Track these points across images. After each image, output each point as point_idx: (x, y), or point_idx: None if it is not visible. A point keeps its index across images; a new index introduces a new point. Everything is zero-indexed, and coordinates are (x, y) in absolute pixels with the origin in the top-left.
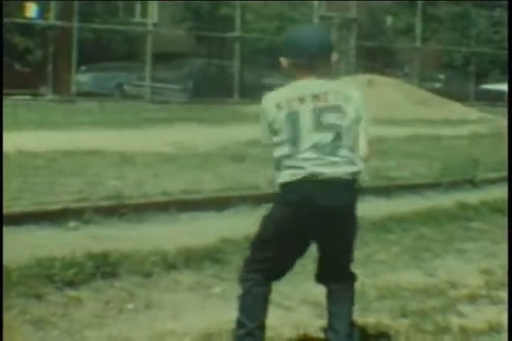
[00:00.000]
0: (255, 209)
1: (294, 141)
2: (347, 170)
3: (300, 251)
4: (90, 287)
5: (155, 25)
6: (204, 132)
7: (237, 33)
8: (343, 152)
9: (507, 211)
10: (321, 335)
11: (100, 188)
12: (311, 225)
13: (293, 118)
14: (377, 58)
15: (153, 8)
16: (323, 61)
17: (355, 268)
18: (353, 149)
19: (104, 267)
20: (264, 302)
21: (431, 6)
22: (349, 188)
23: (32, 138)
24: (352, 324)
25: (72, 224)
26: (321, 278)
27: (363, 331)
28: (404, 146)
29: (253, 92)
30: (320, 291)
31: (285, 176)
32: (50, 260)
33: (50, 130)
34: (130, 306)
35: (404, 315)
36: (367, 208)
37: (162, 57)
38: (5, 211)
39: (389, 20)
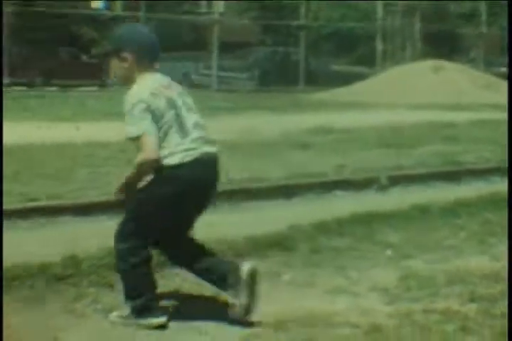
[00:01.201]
0: (321, 197)
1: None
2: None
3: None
4: (158, 275)
5: (221, 14)
6: (270, 120)
7: (301, 21)
8: (204, 130)
9: (507, 209)
10: (389, 321)
11: None
12: (201, 200)
13: (172, 104)
14: (443, 44)
15: None
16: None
17: (425, 253)
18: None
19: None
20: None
21: None
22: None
23: (100, 128)
24: None
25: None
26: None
27: (433, 317)
28: (471, 131)
29: (318, 80)
30: (388, 278)
31: (178, 158)
32: (110, 248)
33: (118, 120)
34: (199, 294)
35: (472, 300)
36: (436, 193)
37: (228, 47)
38: (74, 201)
39: (452, 5)
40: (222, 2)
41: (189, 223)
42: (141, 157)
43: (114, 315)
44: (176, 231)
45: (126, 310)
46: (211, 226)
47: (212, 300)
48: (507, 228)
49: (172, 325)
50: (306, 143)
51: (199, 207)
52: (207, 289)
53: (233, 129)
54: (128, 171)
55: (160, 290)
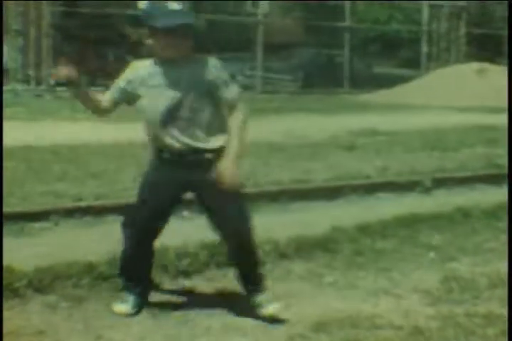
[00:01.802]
0: (365, 199)
1: None
2: None
3: None
4: (203, 276)
5: (265, 15)
6: (314, 122)
7: (346, 23)
8: None
9: (507, 212)
10: (431, 323)
11: None
12: None
13: None
14: (488, 46)
15: None
16: None
17: (467, 256)
18: None
19: (217, 256)
20: None
21: None
22: None
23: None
24: None
25: (185, 213)
26: None
27: (474, 320)
28: None
29: (363, 82)
30: (431, 280)
31: None
32: (164, 249)
33: None
34: (243, 295)
35: None
36: (479, 196)
37: (273, 48)
38: (120, 201)
39: (499, 7)
40: (267, 3)
41: None
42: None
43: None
44: None
45: None
46: (256, 227)
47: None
48: (507, 230)
49: (215, 325)
50: (351, 145)
51: None
52: None
53: (279, 131)
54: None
55: (204, 290)
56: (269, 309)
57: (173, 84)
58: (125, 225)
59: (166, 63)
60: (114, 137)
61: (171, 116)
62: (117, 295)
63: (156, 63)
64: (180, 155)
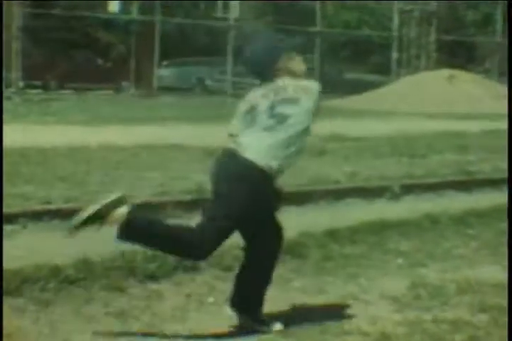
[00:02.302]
0: (334, 204)
1: None
2: None
3: None
4: (171, 280)
5: (236, 19)
6: None
7: (317, 28)
8: None
9: (507, 213)
10: (399, 329)
11: (182, 182)
12: None
13: None
14: (458, 53)
15: (235, 2)
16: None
17: (435, 262)
18: None
19: (185, 261)
20: None
21: None
22: None
23: (115, 132)
24: None
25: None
26: None
27: (442, 326)
28: (484, 141)
29: (333, 87)
30: (399, 286)
31: None
32: (132, 253)
33: (133, 124)
34: (211, 300)
35: (483, 311)
36: (448, 203)
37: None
38: (89, 204)
39: (469, 13)
40: (238, 7)
41: None
42: None
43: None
44: None
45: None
46: None
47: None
48: (507, 231)
49: (183, 330)
50: (320, 150)
51: None
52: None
53: None
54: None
55: (172, 295)
56: (276, 327)
57: None
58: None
59: None
60: (82, 140)
61: None
62: (84, 299)
63: None
64: None
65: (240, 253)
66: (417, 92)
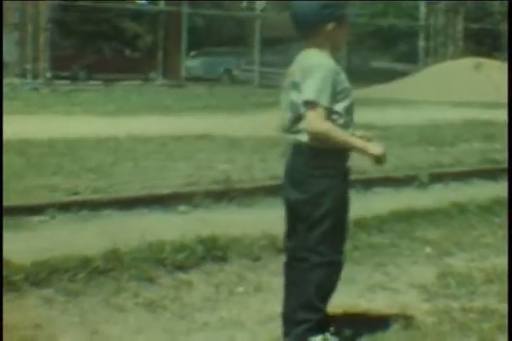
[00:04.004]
0: (362, 193)
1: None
2: None
3: None
4: (200, 270)
5: (263, 10)
6: None
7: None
8: None
9: (507, 207)
10: (428, 318)
11: (210, 172)
12: None
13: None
14: (485, 41)
15: None
16: (307, 31)
17: (463, 251)
18: None
19: (214, 251)
20: None
21: None
22: None
23: (143, 122)
24: None
25: (182, 208)
26: None
27: (469, 314)
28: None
29: (360, 76)
30: (427, 275)
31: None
32: (160, 244)
33: (161, 115)
34: (240, 289)
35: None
36: (475, 191)
37: (270, 42)
38: (117, 195)
39: (497, 3)
40: None
41: None
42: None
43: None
44: None
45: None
46: (253, 222)
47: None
48: (507, 228)
49: (212, 319)
50: None
51: None
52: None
53: (275, 125)
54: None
55: (201, 284)
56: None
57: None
58: (332, 261)
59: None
60: (110, 131)
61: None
62: (113, 290)
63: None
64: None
65: (268, 243)
66: (444, 81)
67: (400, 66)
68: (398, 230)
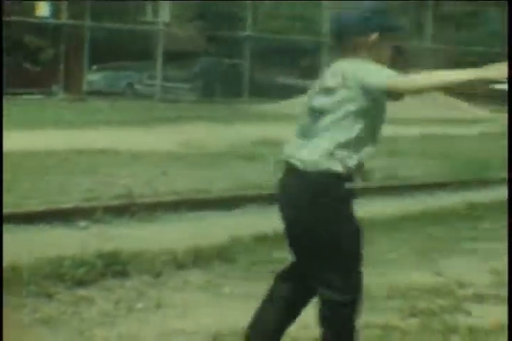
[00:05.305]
0: (264, 209)
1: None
2: None
3: None
4: (100, 286)
5: (166, 24)
6: (214, 131)
7: (247, 32)
8: None
9: (507, 211)
10: None
11: (111, 187)
12: None
13: None
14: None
15: (165, 7)
16: (345, 41)
17: (365, 267)
18: None
19: (114, 266)
20: None
21: (442, 5)
22: None
23: (44, 137)
24: None
25: (82, 223)
26: None
27: (370, 331)
28: (418, 146)
29: (263, 91)
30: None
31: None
32: (60, 259)
33: (62, 129)
34: (140, 305)
35: (413, 315)
36: (379, 207)
37: (173, 57)
38: (17, 210)
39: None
40: (167, 11)
41: None
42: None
43: None
44: None
45: None
46: (154, 237)
47: None
48: (507, 230)
49: (112, 335)
50: (251, 155)
51: None
52: None
53: (177, 140)
54: None
55: (101, 300)
56: None
57: None
58: (353, 301)
59: None
60: (10, 146)
61: None
62: (12, 305)
63: None
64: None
65: (169, 258)
66: None
67: (305, 82)
68: None
